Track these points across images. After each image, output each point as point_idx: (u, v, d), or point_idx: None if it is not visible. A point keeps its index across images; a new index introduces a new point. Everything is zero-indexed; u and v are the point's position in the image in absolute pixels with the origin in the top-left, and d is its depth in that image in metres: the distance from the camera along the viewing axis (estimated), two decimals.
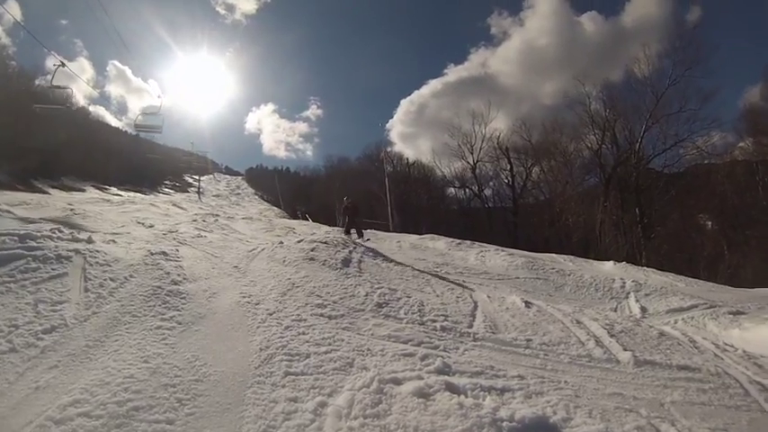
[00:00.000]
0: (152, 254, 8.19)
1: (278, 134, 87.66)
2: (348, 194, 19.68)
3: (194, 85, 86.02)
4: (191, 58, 79.27)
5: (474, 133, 42.45)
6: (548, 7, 71.88)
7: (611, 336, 6.31)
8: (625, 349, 5.80)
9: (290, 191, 56.26)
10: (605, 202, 31.71)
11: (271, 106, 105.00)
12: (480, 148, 41.52)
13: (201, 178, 49.93)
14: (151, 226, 13.66)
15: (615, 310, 9.94)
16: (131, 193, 27.57)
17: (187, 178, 50.78)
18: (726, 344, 6.72)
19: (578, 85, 38.08)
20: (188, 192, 44.25)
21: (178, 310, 5.87)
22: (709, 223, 34.68)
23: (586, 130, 36.94)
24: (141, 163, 44.43)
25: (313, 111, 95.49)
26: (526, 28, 70.85)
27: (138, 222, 14.45)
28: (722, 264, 24.93)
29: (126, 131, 53.44)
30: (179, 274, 7.34)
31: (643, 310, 10.05)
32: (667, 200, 32.59)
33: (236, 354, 4.71)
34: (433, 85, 72.27)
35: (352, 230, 15.73)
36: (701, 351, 6.12)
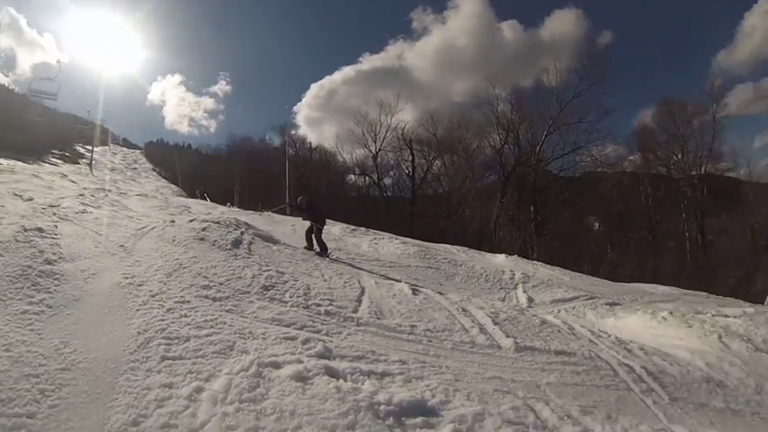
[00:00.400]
0: (25, 230, 8.15)
1: (182, 108, 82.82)
2: (249, 175, 18.63)
3: (96, 46, 79.21)
4: (94, 13, 72.90)
5: (379, 122, 45.91)
6: (471, 10, 75.55)
7: (495, 323, 7.02)
8: (507, 336, 6.45)
9: (190, 168, 53.72)
10: (502, 198, 35.35)
11: (177, 77, 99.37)
12: (384, 138, 44.73)
13: (95, 149, 45.99)
14: (30, 199, 12.78)
15: (503, 300, 11.02)
16: (11, 162, 24.82)
17: (79, 148, 46.55)
18: (601, 331, 7.88)
19: (489, 86, 42.68)
20: (79, 163, 40.54)
21: (49, 293, 5.79)
22: (597, 224, 42.42)
23: (491, 129, 41.95)
24: (26, 127, 40.16)
25: (222, 86, 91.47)
26: (447, 26, 73.45)
27: (16, 195, 13.39)
28: (605, 261, 27.97)
29: (12, 89, 47.98)
30: (54, 253, 7.30)
31: (530, 300, 11.25)
32: (560, 201, 40.14)
33: (111, 339, 4.68)
34: (347, 71, 72.18)
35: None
36: (578, 338, 7.12)
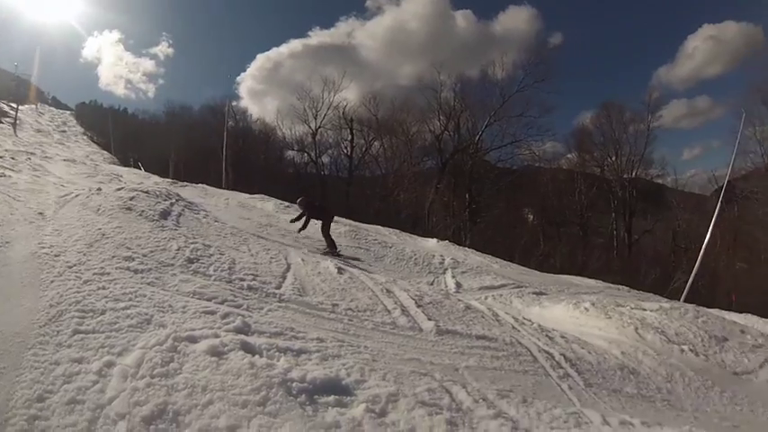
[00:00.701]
0: None
1: (119, 68, 77.80)
2: (186, 145, 17.75)
3: None
4: None
5: (322, 99, 44.69)
6: None
7: (419, 306, 6.98)
8: (429, 319, 6.43)
9: (124, 134, 51.17)
10: (438, 184, 35.92)
11: (116, 34, 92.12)
12: (325, 115, 43.36)
13: (20, 108, 42.80)
14: None
15: (431, 284, 11.11)
16: None
17: (3, 106, 43.21)
18: (525, 318, 8.02)
19: (434, 72, 43.32)
20: (1, 123, 37.74)
21: None
22: (531, 217, 44.57)
23: (433, 115, 42.66)
24: None
25: (163, 48, 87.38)
26: (401, 8, 74.05)
27: None
28: (536, 252, 28.76)
29: None
30: None
31: (458, 285, 11.39)
32: (496, 191, 40.60)
33: (21, 311, 4.49)
34: (294, 45, 70.99)
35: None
36: (501, 324, 7.20)
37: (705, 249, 19.99)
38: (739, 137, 22.26)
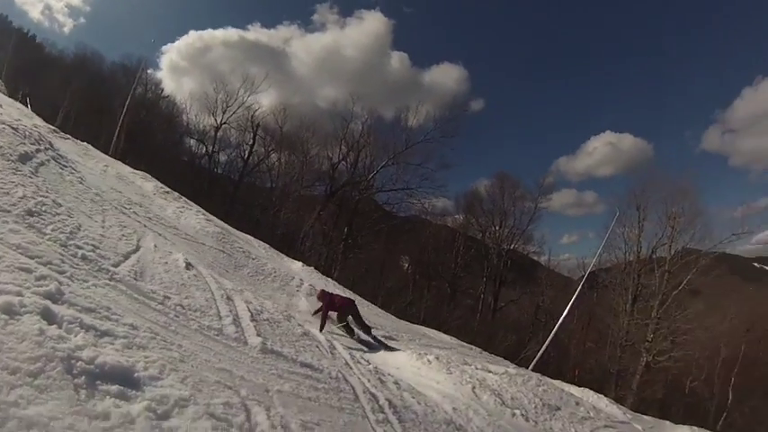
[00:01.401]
0: None
1: None
2: (85, 97, 15.94)
3: None
4: None
5: (236, 96, 41.69)
6: (373, 28, 77.62)
7: (254, 320, 6.66)
8: (258, 335, 6.11)
9: (22, 63, 45.62)
10: (322, 210, 35.10)
11: None
12: (234, 113, 40.61)
13: None
14: None
15: (287, 307, 10.78)
16: None
17: None
18: (364, 358, 8.02)
19: (350, 101, 43.06)
20: None
21: None
22: (406, 265, 45.23)
23: (336, 142, 42.37)
24: None
25: None
26: (344, 32, 74.64)
27: None
28: (401, 299, 29.11)
29: None
30: None
31: (308, 311, 11.06)
32: (376, 231, 40.89)
33: None
34: (231, 33, 68.64)
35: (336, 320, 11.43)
36: (334, 357, 7.02)
37: (560, 326, 21.13)
38: (609, 232, 24.47)
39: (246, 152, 42.54)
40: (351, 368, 6.69)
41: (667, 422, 17.83)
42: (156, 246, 8.35)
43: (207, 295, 6.82)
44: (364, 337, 11.15)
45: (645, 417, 17.63)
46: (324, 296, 11.17)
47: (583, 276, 24.25)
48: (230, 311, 6.48)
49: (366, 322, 11.44)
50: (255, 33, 72.25)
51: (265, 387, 4.65)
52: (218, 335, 5.54)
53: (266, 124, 43.25)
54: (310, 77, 75.48)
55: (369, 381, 6.44)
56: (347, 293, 15.76)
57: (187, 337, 5.04)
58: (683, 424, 17.04)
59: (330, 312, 10.76)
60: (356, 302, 11.95)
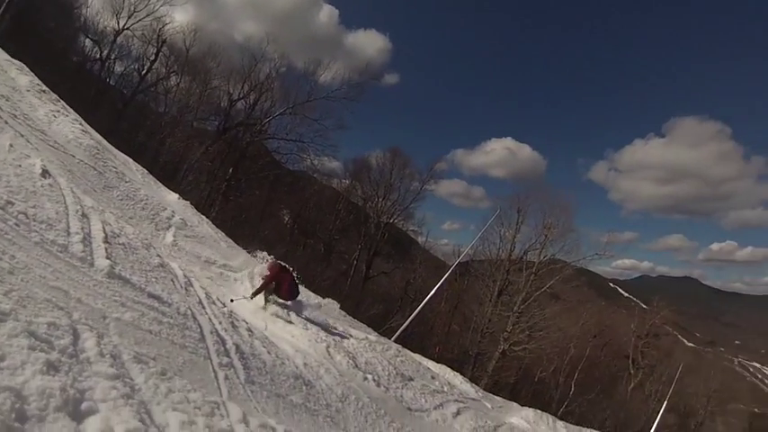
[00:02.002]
0: None
1: None
2: None
3: None
4: None
5: (146, 1, 36.72)
6: None
7: (107, 242, 6.26)
8: (108, 258, 5.73)
9: None
10: (210, 146, 33.31)
11: None
12: (140, 20, 36.49)
13: None
14: None
15: (152, 236, 10.26)
16: None
17: None
18: (220, 300, 7.76)
19: (265, 41, 40.72)
20: None
21: None
22: (287, 218, 45.62)
23: (239, 79, 39.77)
24: None
25: None
26: None
27: None
28: (276, 250, 29.19)
29: None
30: None
31: (174, 244, 10.76)
32: (262, 178, 39.84)
33: None
34: None
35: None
36: (189, 294, 6.88)
37: (427, 304, 22.07)
38: (486, 226, 26.22)
39: (146, 68, 39.18)
40: (204, 307, 6.54)
41: (515, 404, 19.41)
42: (11, 145, 7.57)
43: (59, 208, 6.30)
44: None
45: (496, 397, 19.09)
46: (274, 269, 10.54)
47: (456, 261, 25.45)
48: (82, 229, 6.05)
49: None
50: None
51: (103, 313, 4.41)
52: (61, 251, 5.17)
53: (173, 42, 39.39)
54: (234, 5, 71.54)
55: (220, 323, 6.35)
56: (218, 233, 15.35)
57: (24, 249, 4.66)
58: (529, 407, 18.57)
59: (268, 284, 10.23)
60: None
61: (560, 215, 36.68)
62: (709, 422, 51.67)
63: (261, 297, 9.79)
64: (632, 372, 46.10)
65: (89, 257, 5.42)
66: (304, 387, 6.46)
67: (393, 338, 18.55)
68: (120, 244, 6.50)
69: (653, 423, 34.12)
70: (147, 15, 37.91)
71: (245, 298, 9.45)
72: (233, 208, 34.07)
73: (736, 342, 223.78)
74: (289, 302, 10.44)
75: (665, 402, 35.69)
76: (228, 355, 5.53)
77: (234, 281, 10.53)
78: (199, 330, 5.55)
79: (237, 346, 5.90)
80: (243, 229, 28.70)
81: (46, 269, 4.54)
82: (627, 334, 49.10)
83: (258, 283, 10.22)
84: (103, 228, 6.59)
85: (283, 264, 11.14)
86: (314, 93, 39.53)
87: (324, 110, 39.69)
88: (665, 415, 37.89)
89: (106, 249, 5.92)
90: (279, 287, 10.36)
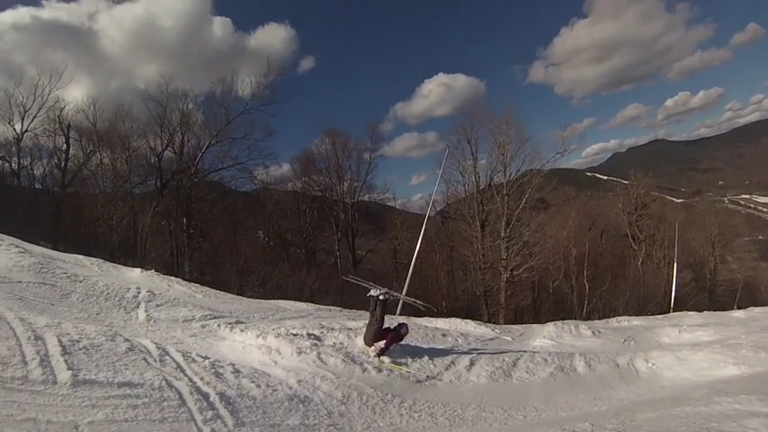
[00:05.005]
0: None
1: None
2: None
3: None
4: None
5: (35, 95, 35.29)
6: None
7: (66, 353, 6.39)
8: (69, 368, 5.88)
9: None
10: (157, 206, 32.98)
11: None
12: (35, 117, 35.11)
13: None
14: None
15: (125, 321, 10.39)
16: None
17: None
18: (200, 355, 7.79)
19: (163, 84, 39.55)
20: None
21: None
22: (267, 240, 45.41)
23: (156, 130, 38.91)
24: None
25: None
26: (157, 0, 67.09)
27: None
28: (253, 277, 29.00)
29: None
30: None
31: (148, 319, 10.77)
32: (218, 213, 39.48)
33: None
34: (22, 13, 58.94)
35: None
36: (163, 365, 6.98)
37: (420, 261, 22.21)
38: (442, 168, 26.47)
39: (62, 160, 37.91)
40: (182, 371, 6.73)
41: (535, 325, 19.66)
42: None
43: (10, 343, 6.41)
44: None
45: (514, 327, 19.32)
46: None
47: (428, 210, 25.81)
48: (37, 353, 6.17)
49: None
50: (52, 10, 63.47)
51: (74, 424, 4.66)
52: (22, 383, 5.32)
53: (79, 123, 38.12)
54: (125, 56, 69.27)
55: (202, 378, 6.56)
56: (190, 288, 15.47)
57: None
58: (552, 321, 18.89)
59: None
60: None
61: (509, 130, 37.03)
62: (721, 265, 52.86)
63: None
64: (635, 248, 47.65)
65: (50, 377, 5.56)
66: (300, 405, 6.71)
67: (397, 312, 18.79)
68: (80, 348, 6.62)
69: (671, 287, 35.27)
70: (40, 110, 36.30)
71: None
72: (205, 254, 33.98)
73: (720, 183, 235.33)
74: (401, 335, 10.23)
75: (675, 264, 36.90)
76: (213, 407, 5.78)
77: (218, 327, 10.65)
78: (177, 396, 5.76)
79: (222, 394, 6.15)
80: (221, 269, 28.79)
81: (12, 407, 4.74)
82: (618, 215, 50.37)
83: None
84: (59, 341, 6.70)
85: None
86: (230, 113, 39.52)
87: (247, 124, 39.76)
88: (680, 274, 39.04)
89: (66, 361, 6.05)
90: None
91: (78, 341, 6.92)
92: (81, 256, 16.93)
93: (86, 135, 37.90)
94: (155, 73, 71.49)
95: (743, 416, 5.48)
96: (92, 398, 5.29)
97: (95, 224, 33.55)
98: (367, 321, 10.42)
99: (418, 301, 11.81)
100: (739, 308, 30.47)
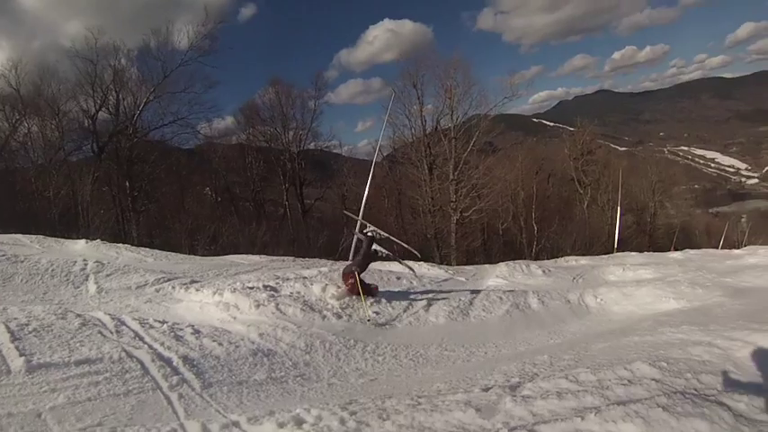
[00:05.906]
0: None
1: None
2: None
3: None
4: None
5: None
6: None
7: (16, 339, 6.04)
8: (21, 354, 5.59)
9: None
10: (96, 172, 31.27)
11: None
12: None
13: None
14: None
15: (74, 297, 9.96)
16: None
17: None
18: (157, 320, 7.58)
19: (91, 39, 35.35)
20: None
21: None
22: (214, 195, 44.83)
23: (88, 90, 35.47)
24: None
25: None
26: None
27: None
28: (202, 234, 28.38)
29: None
30: None
31: (99, 291, 10.38)
32: (162, 172, 37.73)
33: None
34: None
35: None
36: (119, 335, 6.73)
37: (368, 207, 22.17)
38: (387, 113, 26.45)
39: None
40: (141, 339, 6.60)
41: (487, 266, 20.23)
42: None
43: None
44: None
45: (466, 267, 19.83)
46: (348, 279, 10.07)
47: (374, 156, 25.83)
48: None
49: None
50: None
51: (37, 411, 4.48)
52: None
53: (2, 90, 35.65)
54: (45, 12, 64.26)
55: (162, 344, 6.46)
56: (140, 253, 15.04)
57: None
58: (503, 262, 19.45)
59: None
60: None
61: (456, 74, 37.28)
62: (660, 210, 57.61)
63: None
64: (581, 192, 50.74)
65: (2, 366, 5.29)
66: (265, 359, 6.72)
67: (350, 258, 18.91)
68: (30, 332, 6.33)
69: (615, 229, 37.02)
70: None
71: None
72: (152, 216, 32.91)
73: (661, 134, 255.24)
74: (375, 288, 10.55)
75: (619, 207, 38.64)
76: (177, 372, 5.70)
77: (173, 289, 10.40)
78: (139, 366, 5.64)
79: (185, 358, 6.09)
80: (171, 231, 28.09)
81: None
82: (564, 160, 53.15)
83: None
84: (6, 327, 6.37)
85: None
86: (168, 66, 36.92)
87: (187, 77, 37.48)
88: (623, 218, 41.04)
89: (17, 347, 5.77)
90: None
91: (27, 324, 6.59)
92: (19, 235, 16.07)
93: (10, 103, 33.94)
94: (81, 28, 66.10)
95: (687, 344, 5.95)
96: (50, 382, 5.07)
97: (31, 199, 31.13)
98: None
99: (404, 244, 12.38)
100: (676, 249, 32.49)
